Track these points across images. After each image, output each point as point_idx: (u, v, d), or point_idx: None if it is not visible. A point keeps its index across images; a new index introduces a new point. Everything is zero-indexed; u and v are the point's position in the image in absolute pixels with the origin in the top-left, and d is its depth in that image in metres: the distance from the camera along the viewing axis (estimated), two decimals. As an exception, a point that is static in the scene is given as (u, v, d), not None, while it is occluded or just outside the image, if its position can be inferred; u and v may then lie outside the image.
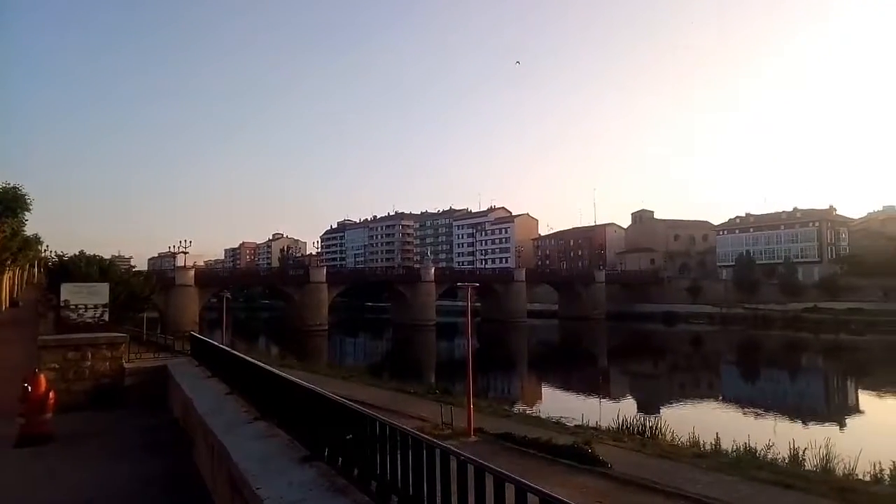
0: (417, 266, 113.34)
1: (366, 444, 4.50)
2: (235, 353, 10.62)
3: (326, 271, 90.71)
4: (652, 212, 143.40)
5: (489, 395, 31.17)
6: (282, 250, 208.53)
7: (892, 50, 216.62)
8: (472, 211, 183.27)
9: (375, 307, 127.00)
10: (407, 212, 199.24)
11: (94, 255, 38.29)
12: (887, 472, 13.37)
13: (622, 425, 19.33)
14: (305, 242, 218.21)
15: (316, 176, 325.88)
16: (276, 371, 7.48)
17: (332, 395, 5.42)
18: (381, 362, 53.29)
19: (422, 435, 3.84)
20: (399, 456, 3.99)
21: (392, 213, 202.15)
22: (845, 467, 14.12)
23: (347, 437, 4.81)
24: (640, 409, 28.56)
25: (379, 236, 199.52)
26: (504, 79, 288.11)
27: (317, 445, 5.67)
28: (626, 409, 26.28)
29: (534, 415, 22.51)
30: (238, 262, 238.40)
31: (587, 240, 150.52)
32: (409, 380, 28.31)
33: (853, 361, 56.36)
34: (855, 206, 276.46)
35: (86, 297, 16.58)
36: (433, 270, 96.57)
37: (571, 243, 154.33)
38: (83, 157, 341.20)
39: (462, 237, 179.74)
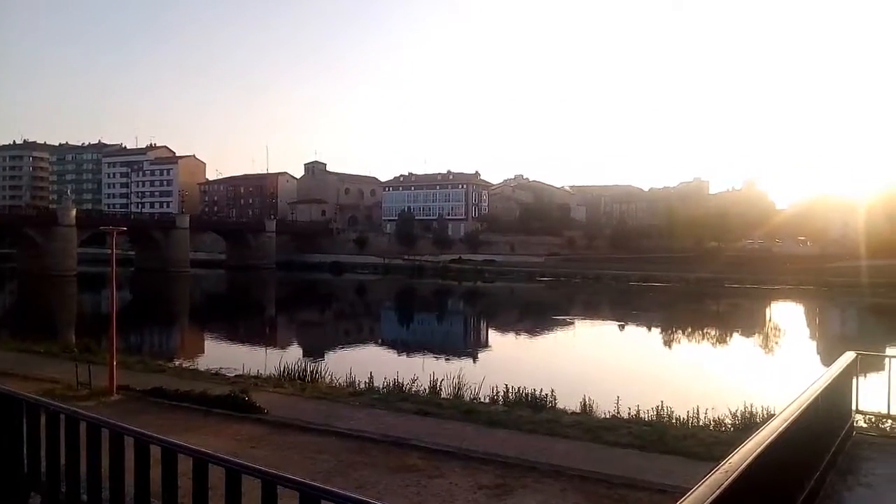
0: (54, 207, 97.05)
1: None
2: None
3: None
4: (325, 164, 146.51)
5: (143, 350, 28.55)
6: None
7: (526, 36, 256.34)
8: (128, 147, 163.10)
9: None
10: (41, 142, 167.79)
11: None
12: (501, 394, 16.00)
13: (284, 372, 19.40)
14: None
15: None
16: None
17: None
18: (1, 319, 44.57)
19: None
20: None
21: (20, 142, 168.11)
22: (472, 393, 16.44)
23: None
24: (304, 355, 29.15)
25: (0, 169, 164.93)
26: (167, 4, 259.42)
27: None
28: (290, 356, 26.49)
29: (192, 368, 21.29)
30: None
31: (259, 188, 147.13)
32: (41, 338, 24.10)
33: (485, 305, 66.58)
34: (494, 172, 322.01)
35: None
36: (74, 213, 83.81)
37: (242, 190, 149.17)
38: None
39: (114, 177, 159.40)
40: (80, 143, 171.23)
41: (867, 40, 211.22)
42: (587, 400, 15.24)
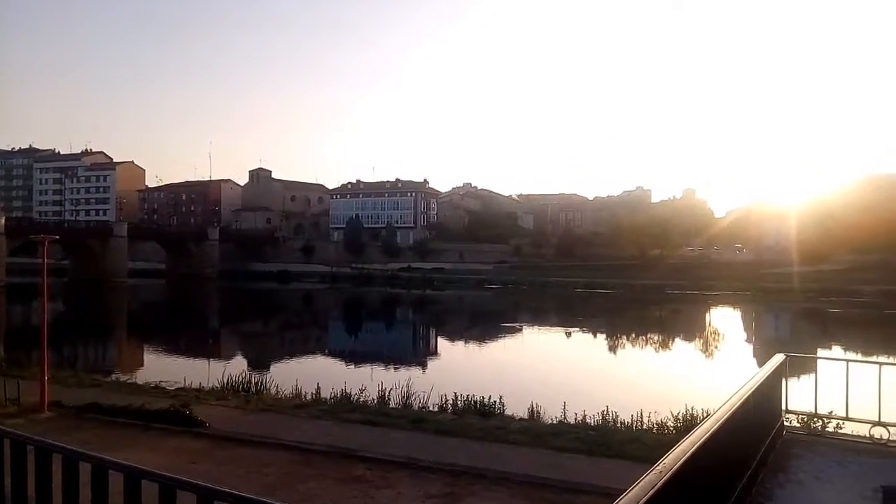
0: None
1: None
2: None
3: None
4: (270, 171, 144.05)
5: (78, 365, 27.38)
6: None
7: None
8: (62, 153, 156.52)
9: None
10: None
11: None
12: (450, 402, 16.01)
13: (228, 384, 18.93)
14: None
15: None
16: None
17: None
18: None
19: None
20: None
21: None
22: (420, 402, 16.41)
23: None
24: (249, 367, 28.49)
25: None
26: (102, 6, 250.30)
27: None
28: (234, 368, 25.83)
29: (130, 382, 20.58)
30: None
31: (201, 195, 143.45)
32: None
33: (433, 313, 66.57)
34: (443, 180, 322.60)
35: None
36: (3, 220, 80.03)
37: (184, 198, 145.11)
38: None
39: (47, 183, 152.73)
40: (9, 148, 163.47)
41: (805, 55, 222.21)
42: (535, 406, 15.41)
